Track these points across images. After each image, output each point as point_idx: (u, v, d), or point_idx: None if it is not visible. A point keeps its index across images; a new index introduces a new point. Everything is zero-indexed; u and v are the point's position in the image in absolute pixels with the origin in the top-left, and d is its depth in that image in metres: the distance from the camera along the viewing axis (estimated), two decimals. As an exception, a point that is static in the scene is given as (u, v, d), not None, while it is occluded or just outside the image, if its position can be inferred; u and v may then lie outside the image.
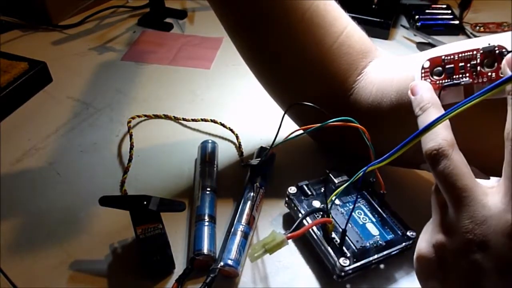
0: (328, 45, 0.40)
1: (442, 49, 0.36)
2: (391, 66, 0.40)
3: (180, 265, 0.37)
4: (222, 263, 0.35)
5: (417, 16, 0.72)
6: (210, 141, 0.47)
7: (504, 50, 0.29)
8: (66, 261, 0.38)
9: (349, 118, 0.34)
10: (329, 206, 0.36)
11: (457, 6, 0.72)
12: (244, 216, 0.39)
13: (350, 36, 0.41)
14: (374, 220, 0.39)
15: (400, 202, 0.41)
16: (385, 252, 0.36)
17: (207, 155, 0.45)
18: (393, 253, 0.37)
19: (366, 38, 0.43)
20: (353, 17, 0.43)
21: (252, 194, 0.41)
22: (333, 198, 0.36)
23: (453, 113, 0.26)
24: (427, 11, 0.74)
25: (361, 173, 0.33)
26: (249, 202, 0.40)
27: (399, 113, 0.37)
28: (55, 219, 0.41)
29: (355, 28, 0.42)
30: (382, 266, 0.37)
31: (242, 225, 0.38)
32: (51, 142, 0.50)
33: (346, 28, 0.41)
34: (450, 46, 0.36)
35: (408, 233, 0.37)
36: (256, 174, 0.42)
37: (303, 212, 0.39)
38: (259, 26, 0.40)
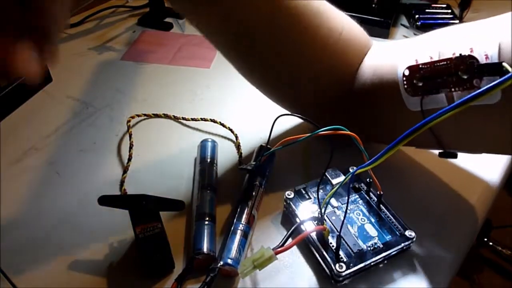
0: (327, 43, 0.40)
1: (427, 38, 0.37)
2: (385, 53, 0.41)
3: (179, 265, 0.37)
4: (222, 262, 0.35)
5: (417, 16, 0.72)
6: (209, 140, 0.47)
7: (474, 60, 0.30)
8: (66, 261, 0.38)
9: (339, 126, 0.34)
10: (324, 211, 0.36)
11: (457, 6, 0.72)
12: (244, 215, 0.39)
13: (348, 32, 0.41)
14: (372, 220, 0.39)
15: (399, 201, 0.40)
16: (383, 254, 0.36)
17: (207, 154, 0.45)
18: (392, 254, 0.37)
19: (362, 32, 0.44)
20: (353, 17, 0.43)
21: (252, 193, 0.41)
22: (325, 205, 0.36)
23: (434, 122, 0.27)
24: (427, 10, 0.74)
25: (350, 176, 0.33)
26: (249, 201, 0.40)
27: (395, 98, 0.37)
28: (55, 219, 0.41)
29: (352, 24, 0.43)
30: (381, 265, 0.37)
31: (242, 224, 0.38)
32: (51, 142, 0.50)
33: (343, 26, 0.41)
34: (434, 34, 0.36)
35: (407, 233, 0.37)
36: (254, 176, 0.42)
37: (300, 216, 0.39)
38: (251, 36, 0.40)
